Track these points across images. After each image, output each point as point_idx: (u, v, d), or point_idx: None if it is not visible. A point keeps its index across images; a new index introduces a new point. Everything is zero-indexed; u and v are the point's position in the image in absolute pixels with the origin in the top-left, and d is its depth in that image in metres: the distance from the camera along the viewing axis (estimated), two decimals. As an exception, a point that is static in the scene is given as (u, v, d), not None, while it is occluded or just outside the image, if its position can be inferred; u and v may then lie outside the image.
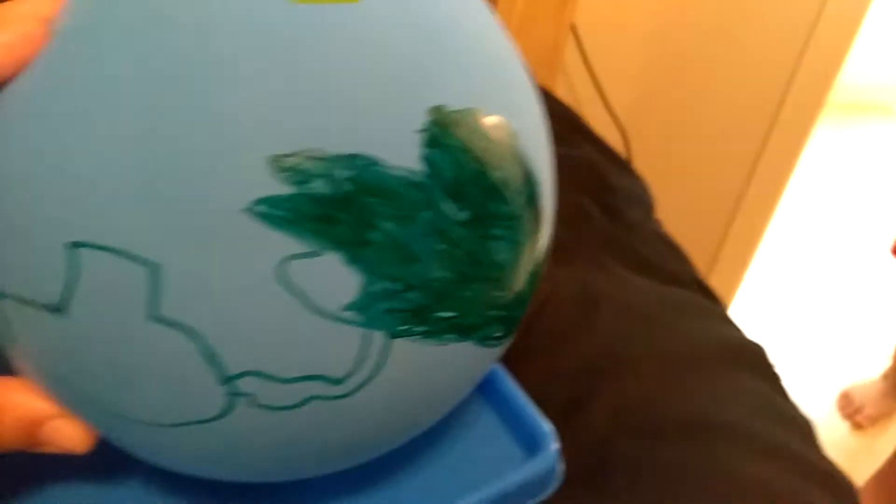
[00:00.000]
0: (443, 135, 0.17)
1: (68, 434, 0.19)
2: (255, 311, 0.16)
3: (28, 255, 0.16)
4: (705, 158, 1.04)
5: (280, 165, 0.15)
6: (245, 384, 0.17)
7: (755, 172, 1.05)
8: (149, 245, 0.15)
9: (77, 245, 0.16)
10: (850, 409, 1.29)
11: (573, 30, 0.80)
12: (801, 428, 0.32)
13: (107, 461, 0.20)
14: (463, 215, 0.18)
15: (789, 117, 0.99)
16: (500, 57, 0.20)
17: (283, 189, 0.15)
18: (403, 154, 0.17)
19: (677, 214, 0.51)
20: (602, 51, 0.83)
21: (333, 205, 0.16)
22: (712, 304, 0.40)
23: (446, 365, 0.19)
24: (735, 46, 0.94)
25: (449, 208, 0.17)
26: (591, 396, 0.31)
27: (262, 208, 0.15)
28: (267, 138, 0.15)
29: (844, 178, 1.92)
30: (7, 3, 0.18)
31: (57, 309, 0.16)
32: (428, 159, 0.17)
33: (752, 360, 0.35)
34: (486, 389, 0.27)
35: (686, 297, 0.38)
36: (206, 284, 0.16)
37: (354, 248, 0.16)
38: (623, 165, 0.49)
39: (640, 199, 0.48)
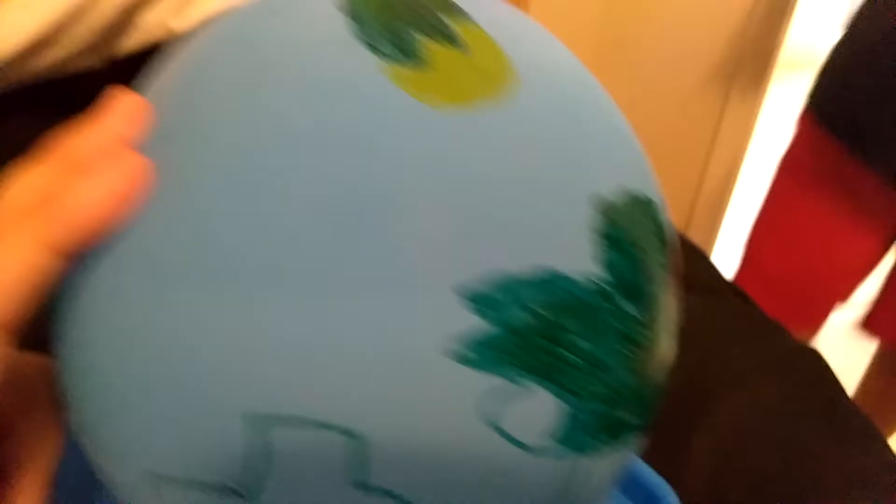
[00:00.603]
0: (609, 227, 0.15)
1: None
2: (457, 457, 0.14)
3: (192, 436, 0.14)
4: (662, 140, 1.05)
5: (467, 296, 0.13)
6: None
7: (712, 154, 1.07)
8: (341, 410, 0.13)
9: (257, 419, 0.13)
10: None
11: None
12: (880, 443, 0.32)
13: None
14: (639, 311, 0.16)
15: (742, 87, 1.01)
16: (622, 125, 0.18)
17: (473, 322, 0.13)
18: (581, 258, 0.15)
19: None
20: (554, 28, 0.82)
21: (528, 332, 0.14)
22: (752, 310, 0.39)
23: (621, 464, 0.18)
24: (682, 20, 0.95)
25: (628, 307, 0.16)
26: (685, 437, 0.30)
27: (457, 347, 0.13)
28: (448, 268, 0.13)
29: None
30: (82, 133, 0.14)
31: (241, 496, 0.14)
32: (603, 258, 0.15)
33: (815, 369, 0.34)
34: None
35: (733, 310, 0.38)
36: (408, 441, 0.13)
37: (552, 374, 0.14)
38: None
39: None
